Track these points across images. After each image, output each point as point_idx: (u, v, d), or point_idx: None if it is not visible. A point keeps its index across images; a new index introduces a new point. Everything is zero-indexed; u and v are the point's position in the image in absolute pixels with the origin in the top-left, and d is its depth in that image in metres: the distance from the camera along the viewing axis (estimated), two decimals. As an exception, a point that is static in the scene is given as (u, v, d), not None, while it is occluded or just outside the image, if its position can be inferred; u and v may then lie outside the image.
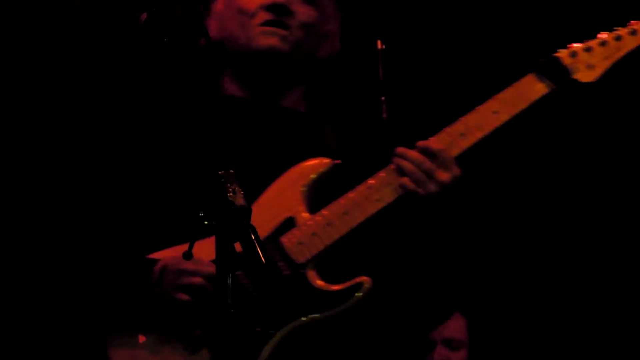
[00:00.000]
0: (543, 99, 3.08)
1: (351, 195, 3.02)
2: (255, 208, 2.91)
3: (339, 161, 3.07)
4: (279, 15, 3.13)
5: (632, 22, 3.20)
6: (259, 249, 2.31)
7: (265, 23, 3.15)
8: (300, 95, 3.24)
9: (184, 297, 2.88)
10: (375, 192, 3.02)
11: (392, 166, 3.05)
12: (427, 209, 3.02)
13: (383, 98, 4.11)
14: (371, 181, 3.04)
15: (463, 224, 3.06)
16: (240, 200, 2.37)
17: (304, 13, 3.18)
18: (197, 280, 2.87)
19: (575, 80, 3.13)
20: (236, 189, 2.39)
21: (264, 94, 3.19)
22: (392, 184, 3.03)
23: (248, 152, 3.11)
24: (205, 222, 2.38)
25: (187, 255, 2.46)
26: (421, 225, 3.06)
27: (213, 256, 2.41)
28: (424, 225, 3.06)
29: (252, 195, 2.97)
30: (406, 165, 3.01)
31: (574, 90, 3.13)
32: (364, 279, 2.93)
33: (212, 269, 2.82)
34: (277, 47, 3.13)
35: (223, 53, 3.23)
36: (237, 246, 2.37)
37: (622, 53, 3.16)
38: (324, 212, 3.01)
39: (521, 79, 3.11)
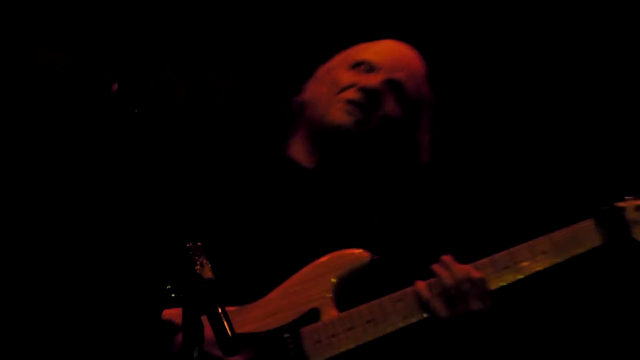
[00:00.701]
0: (595, 249, 2.93)
1: (381, 302, 2.92)
2: (282, 290, 2.91)
3: (377, 256, 2.99)
4: (366, 97, 3.14)
5: None
6: (225, 322, 2.29)
7: (351, 101, 3.14)
8: (364, 171, 3.20)
9: None
10: (405, 307, 2.92)
11: (429, 281, 2.95)
12: (444, 327, 2.94)
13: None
14: (405, 292, 2.93)
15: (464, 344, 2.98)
16: (207, 273, 2.36)
17: (391, 108, 3.16)
18: None
19: (633, 239, 2.94)
20: (204, 261, 2.38)
21: (327, 164, 3.16)
22: (424, 301, 2.93)
23: (298, 222, 3.06)
24: (173, 295, 2.37)
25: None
26: (430, 335, 2.98)
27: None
28: (433, 335, 2.98)
29: (282, 276, 2.93)
30: (446, 279, 2.91)
31: (630, 247, 2.95)
32: None
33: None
34: (349, 125, 3.12)
35: (302, 115, 3.22)
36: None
37: None
38: (350, 313, 2.91)
39: (580, 222, 2.95)
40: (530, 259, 2.92)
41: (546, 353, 5.07)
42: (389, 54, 3.21)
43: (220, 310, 2.32)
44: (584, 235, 2.93)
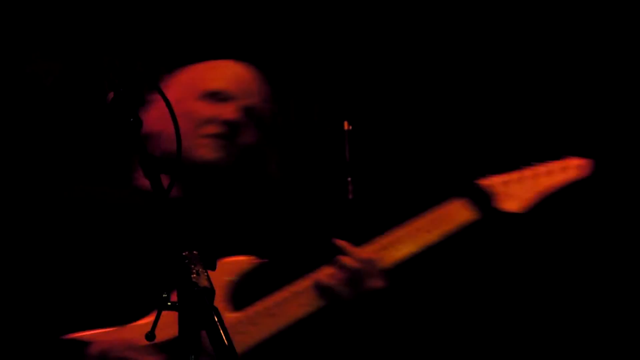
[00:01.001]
0: (471, 223, 3.17)
1: (279, 296, 3.03)
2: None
3: (265, 260, 3.08)
4: (227, 130, 3.14)
5: (565, 157, 3.30)
6: (221, 331, 2.29)
7: (212, 135, 3.16)
8: (230, 195, 3.25)
9: None
10: (302, 296, 3.03)
11: (324, 269, 3.07)
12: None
13: (349, 179, 4.14)
14: (301, 283, 3.04)
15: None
16: (204, 282, 2.36)
17: (251, 135, 3.20)
18: None
19: (499, 209, 3.23)
20: (200, 270, 2.38)
21: (193, 192, 3.19)
22: (327, 288, 3.06)
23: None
24: (169, 303, 2.37)
25: (150, 337, 2.44)
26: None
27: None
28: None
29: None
30: (349, 262, 3.06)
31: (502, 218, 3.22)
32: None
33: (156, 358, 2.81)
34: (217, 162, 3.15)
35: (152, 147, 3.22)
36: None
37: (551, 188, 3.28)
38: (250, 311, 3.02)
39: (448, 201, 3.19)
40: (409, 238, 3.10)
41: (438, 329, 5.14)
42: (237, 79, 3.25)
43: (216, 319, 2.31)
44: (457, 212, 3.16)
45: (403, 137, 5.59)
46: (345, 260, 3.07)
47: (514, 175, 3.28)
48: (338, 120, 4.43)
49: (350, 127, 4.30)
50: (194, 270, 2.37)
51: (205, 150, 3.14)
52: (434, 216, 3.15)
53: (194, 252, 2.40)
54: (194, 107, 3.18)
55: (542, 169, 3.28)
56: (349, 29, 5.41)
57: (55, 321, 2.96)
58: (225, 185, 3.22)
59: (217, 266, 3.03)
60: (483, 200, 3.22)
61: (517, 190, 3.25)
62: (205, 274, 2.39)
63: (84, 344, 2.89)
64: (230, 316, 2.99)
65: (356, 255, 3.06)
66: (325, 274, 3.06)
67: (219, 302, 2.95)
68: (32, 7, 4.65)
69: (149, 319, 2.94)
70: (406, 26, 5.50)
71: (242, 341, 2.95)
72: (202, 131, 3.16)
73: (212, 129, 3.17)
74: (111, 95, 2.67)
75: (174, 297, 2.36)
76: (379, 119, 5.50)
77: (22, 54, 4.61)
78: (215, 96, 3.19)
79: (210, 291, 2.35)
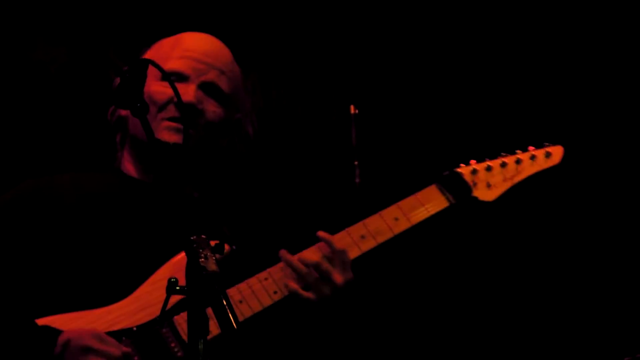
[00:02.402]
0: (443, 212, 3.17)
1: (249, 283, 3.05)
2: (148, 286, 2.96)
3: (234, 247, 3.09)
4: (188, 113, 3.14)
5: (531, 147, 3.30)
6: (230, 315, 2.29)
7: (173, 119, 3.16)
8: (196, 181, 3.25)
9: None
10: (273, 284, 3.04)
11: (301, 254, 3.12)
12: (317, 308, 3.07)
13: (356, 163, 4.14)
14: (270, 271, 3.08)
15: (346, 321, 3.09)
16: (212, 266, 2.37)
17: (212, 112, 3.19)
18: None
19: (475, 198, 3.21)
20: (208, 254, 2.38)
21: (160, 179, 3.20)
22: (290, 278, 3.08)
23: (142, 235, 3.11)
24: (177, 288, 2.37)
25: (161, 323, 2.44)
26: (311, 317, 3.09)
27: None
28: (314, 317, 3.08)
29: (142, 275, 3.01)
30: (302, 270, 3.07)
31: (474, 206, 3.21)
32: None
33: (119, 351, 2.82)
34: (180, 143, 3.14)
35: (125, 131, 3.26)
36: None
37: (521, 177, 3.27)
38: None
39: (424, 189, 3.19)
40: (383, 227, 3.10)
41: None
42: (193, 55, 3.22)
43: (225, 303, 2.32)
44: (430, 200, 3.16)
45: (409, 120, 5.60)
46: (323, 247, 3.09)
47: (490, 164, 3.27)
48: (344, 104, 4.43)
49: (357, 112, 4.30)
50: (202, 255, 2.38)
51: (164, 133, 3.14)
52: (406, 204, 3.16)
53: (202, 236, 2.40)
54: (155, 88, 3.17)
55: (510, 159, 3.29)
56: (356, 15, 5.40)
57: (29, 302, 2.97)
58: (192, 167, 3.23)
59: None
60: (459, 188, 3.21)
61: (494, 179, 3.25)
62: (214, 258, 2.40)
63: (55, 331, 2.89)
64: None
65: (333, 244, 3.07)
66: (297, 261, 3.07)
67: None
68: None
69: (117, 305, 2.96)
70: (412, 11, 5.49)
71: (215, 326, 2.96)
72: (162, 114, 3.16)
73: (170, 113, 3.17)
74: (117, 81, 2.67)
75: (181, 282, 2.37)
76: (385, 103, 5.50)
77: (27, 41, 4.61)
78: (172, 76, 3.17)
79: (218, 275, 2.36)
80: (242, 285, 3.05)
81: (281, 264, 3.08)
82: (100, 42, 4.74)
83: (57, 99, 4.68)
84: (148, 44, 3.43)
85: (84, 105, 4.64)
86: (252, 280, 3.06)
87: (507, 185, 3.25)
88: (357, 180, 4.11)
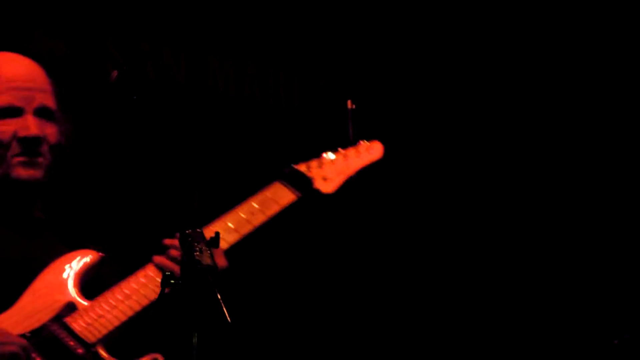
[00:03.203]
0: (294, 204, 3.32)
1: (134, 279, 3.09)
2: (33, 293, 3.04)
3: (103, 254, 3.14)
4: (32, 145, 3.17)
5: (360, 142, 3.52)
6: (224, 309, 2.30)
7: (20, 154, 3.17)
8: (40, 205, 3.29)
9: None
10: (154, 279, 3.08)
11: (168, 253, 3.12)
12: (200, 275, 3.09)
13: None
14: (146, 267, 3.11)
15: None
16: (207, 260, 2.37)
17: (51, 134, 3.21)
18: (11, 348, 2.87)
19: (318, 190, 3.38)
20: (203, 248, 2.39)
21: (13, 209, 3.23)
22: (169, 270, 3.12)
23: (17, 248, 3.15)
24: (172, 281, 2.38)
25: (156, 313, 2.44)
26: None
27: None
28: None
29: (17, 291, 3.05)
30: (169, 265, 3.07)
31: (318, 199, 3.37)
32: (156, 356, 2.97)
33: (23, 341, 2.86)
34: (34, 176, 3.16)
35: None
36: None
37: (351, 171, 3.47)
38: (107, 296, 3.07)
39: (269, 186, 3.33)
40: (236, 224, 3.20)
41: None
42: (17, 84, 3.21)
43: (219, 297, 2.32)
44: (277, 195, 3.31)
45: (406, 115, 5.62)
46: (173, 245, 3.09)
47: (322, 161, 3.46)
48: (341, 99, 4.44)
49: (354, 107, 4.31)
50: (197, 248, 2.38)
51: (18, 171, 3.17)
52: (257, 201, 3.28)
53: (197, 230, 2.41)
54: None
55: (337, 155, 3.48)
56: (352, 10, 5.41)
57: None
58: (50, 191, 3.28)
59: (63, 259, 3.13)
60: (301, 183, 3.36)
61: (330, 172, 3.43)
62: (209, 252, 2.40)
63: None
64: (85, 305, 3.05)
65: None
66: (169, 255, 3.11)
67: (72, 291, 3.07)
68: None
69: (2, 317, 3.01)
70: (409, 6, 5.51)
71: (103, 325, 3.02)
72: (9, 154, 3.19)
73: (16, 150, 3.18)
74: (115, 74, 2.68)
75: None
76: (382, 98, 5.52)
77: (25, 33, 4.61)
78: (6, 114, 3.22)
79: (213, 269, 2.36)
80: (125, 283, 3.09)
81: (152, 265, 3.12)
82: (98, 34, 4.74)
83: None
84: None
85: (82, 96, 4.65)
86: (133, 278, 3.10)
87: (342, 178, 3.43)
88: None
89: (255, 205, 3.28)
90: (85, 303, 3.05)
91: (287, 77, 5.41)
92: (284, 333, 5.27)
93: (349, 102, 4.06)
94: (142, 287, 3.07)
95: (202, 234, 2.45)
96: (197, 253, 2.38)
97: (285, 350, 5.26)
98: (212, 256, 2.42)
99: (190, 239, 2.43)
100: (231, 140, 5.15)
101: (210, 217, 3.21)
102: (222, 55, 5.15)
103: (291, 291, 5.32)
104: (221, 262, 3.05)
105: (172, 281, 2.38)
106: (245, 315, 3.11)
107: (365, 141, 3.55)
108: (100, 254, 3.14)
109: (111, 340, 3.02)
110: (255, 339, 4.88)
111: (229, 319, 2.31)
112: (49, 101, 3.23)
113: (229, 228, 3.19)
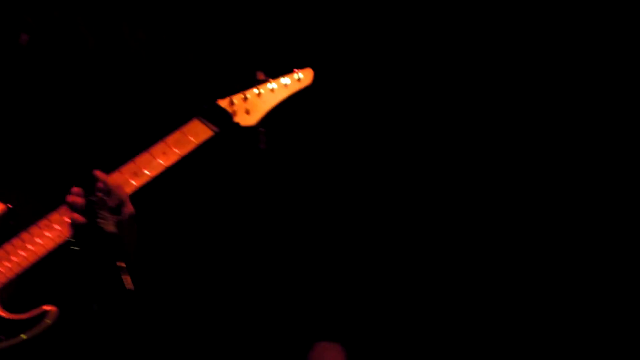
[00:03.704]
0: (209, 140, 3.36)
1: (27, 232, 3.11)
2: None
3: (9, 205, 3.18)
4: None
5: (294, 70, 3.52)
6: (126, 276, 2.32)
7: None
8: None
9: None
10: (49, 230, 3.12)
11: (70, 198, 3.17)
12: (102, 242, 3.13)
13: (262, 130, 4.18)
14: (49, 218, 3.15)
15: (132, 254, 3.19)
16: (110, 227, 2.38)
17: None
18: None
19: (237, 124, 3.42)
20: (107, 215, 2.40)
21: None
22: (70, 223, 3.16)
23: None
24: (73, 247, 2.39)
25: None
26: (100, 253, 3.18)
27: None
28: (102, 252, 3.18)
29: None
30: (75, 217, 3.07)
31: (238, 132, 3.44)
32: (49, 307, 3.02)
33: None
34: None
35: None
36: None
37: (276, 101, 3.50)
38: (5, 247, 3.05)
39: (187, 123, 3.34)
40: (154, 162, 3.23)
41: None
42: None
43: (121, 264, 2.34)
44: (195, 132, 3.33)
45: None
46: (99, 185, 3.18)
47: (246, 94, 3.48)
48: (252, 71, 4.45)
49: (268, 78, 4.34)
50: (101, 215, 2.39)
51: None
52: (173, 139, 3.30)
53: (99, 195, 2.41)
54: None
55: (263, 87, 3.50)
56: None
57: None
58: None
59: None
60: (218, 118, 3.39)
61: (254, 105, 3.48)
62: (114, 219, 2.42)
63: None
64: None
65: (106, 181, 3.15)
66: (72, 202, 3.15)
67: None
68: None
69: None
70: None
71: (7, 272, 3.00)
72: None
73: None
74: (25, 37, 2.67)
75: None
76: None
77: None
78: None
79: (116, 237, 2.37)
80: (24, 235, 3.13)
81: (59, 211, 3.15)
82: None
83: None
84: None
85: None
86: (33, 229, 3.13)
87: (266, 109, 3.47)
88: (263, 146, 4.15)
89: (170, 144, 3.28)
90: None
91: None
92: (200, 286, 5.24)
93: (260, 73, 4.09)
94: (37, 238, 3.08)
95: (105, 201, 2.46)
96: (101, 220, 2.39)
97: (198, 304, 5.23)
98: (116, 224, 2.43)
99: (94, 205, 2.44)
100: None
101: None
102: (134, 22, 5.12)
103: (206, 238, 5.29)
104: (128, 209, 3.06)
105: (73, 247, 2.39)
106: (146, 274, 3.13)
107: (297, 69, 3.51)
108: (6, 205, 3.14)
109: (6, 293, 2.99)
110: (161, 297, 4.86)
111: (130, 286, 2.32)
112: None
113: (139, 170, 3.22)
